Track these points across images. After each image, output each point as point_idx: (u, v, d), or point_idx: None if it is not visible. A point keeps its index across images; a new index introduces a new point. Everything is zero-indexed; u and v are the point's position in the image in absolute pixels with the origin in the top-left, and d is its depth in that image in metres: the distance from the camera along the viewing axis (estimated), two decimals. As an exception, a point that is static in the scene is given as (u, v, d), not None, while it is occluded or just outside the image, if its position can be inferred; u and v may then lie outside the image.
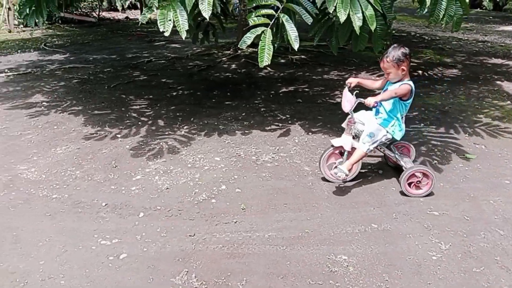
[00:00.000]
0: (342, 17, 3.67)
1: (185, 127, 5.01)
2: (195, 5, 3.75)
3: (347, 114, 3.51)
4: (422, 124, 4.98)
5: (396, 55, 3.22)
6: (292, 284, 2.53)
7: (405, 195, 3.45)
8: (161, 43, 10.76)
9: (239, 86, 6.87)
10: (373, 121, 3.50)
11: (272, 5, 3.98)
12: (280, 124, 5.09)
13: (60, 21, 14.23)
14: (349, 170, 3.47)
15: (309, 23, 4.05)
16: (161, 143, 4.54)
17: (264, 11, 3.95)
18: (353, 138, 3.54)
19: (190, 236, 2.98)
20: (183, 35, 3.75)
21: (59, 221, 3.17)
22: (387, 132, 3.43)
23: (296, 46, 3.82)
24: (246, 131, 4.86)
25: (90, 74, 7.62)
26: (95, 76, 7.53)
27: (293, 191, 3.57)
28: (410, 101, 3.37)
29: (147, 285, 2.53)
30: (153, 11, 3.90)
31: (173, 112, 5.56)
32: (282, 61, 8.65)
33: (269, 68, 7.87)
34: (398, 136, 3.47)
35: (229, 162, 4.11)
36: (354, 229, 3.05)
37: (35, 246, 2.87)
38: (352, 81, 3.55)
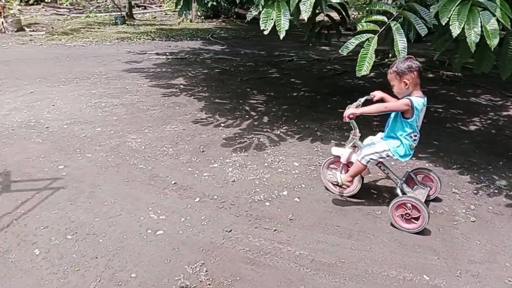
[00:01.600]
0: (455, 31, 3.16)
1: (284, 127, 5.00)
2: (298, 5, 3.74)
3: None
4: None
5: (399, 66, 3.01)
6: (292, 310, 2.34)
7: (395, 227, 3.06)
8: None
9: (365, 95, 6.47)
10: (377, 135, 3.29)
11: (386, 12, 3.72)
12: (384, 142, 4.64)
13: (234, 16, 15.69)
14: (348, 182, 3.27)
15: (423, 35, 3.61)
16: (253, 138, 4.65)
17: (375, 17, 3.75)
18: (354, 150, 3.34)
19: (226, 231, 3.01)
20: (282, 35, 3.82)
21: (131, 188, 3.57)
22: (388, 148, 3.08)
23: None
24: (342, 142, 4.59)
25: (232, 66, 8.22)
26: (236, 68, 8.09)
27: (354, 215, 3.25)
28: (413, 119, 2.99)
29: (162, 264, 2.66)
30: (259, 9, 4.01)
31: (282, 111, 5.60)
32: (430, 75, 7.80)
33: (408, 82, 7.20)
34: (400, 156, 3.09)
35: (305, 169, 3.96)
36: (399, 274, 2.62)
37: (100, 204, 3.30)
38: (377, 93, 3.31)
